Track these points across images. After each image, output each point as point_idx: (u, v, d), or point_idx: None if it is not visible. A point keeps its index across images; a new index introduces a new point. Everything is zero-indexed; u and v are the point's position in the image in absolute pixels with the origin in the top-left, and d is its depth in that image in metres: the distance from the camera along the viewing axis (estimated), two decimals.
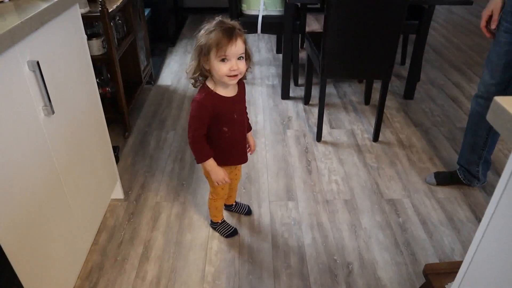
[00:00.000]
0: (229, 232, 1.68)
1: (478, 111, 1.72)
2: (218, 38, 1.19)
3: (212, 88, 1.30)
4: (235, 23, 1.24)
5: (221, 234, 1.69)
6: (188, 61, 3.33)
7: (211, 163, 1.38)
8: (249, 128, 1.52)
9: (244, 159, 1.52)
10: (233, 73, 1.24)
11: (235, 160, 1.51)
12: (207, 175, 1.48)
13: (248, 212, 1.80)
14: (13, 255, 1.02)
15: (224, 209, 1.80)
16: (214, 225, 1.71)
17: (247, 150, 1.54)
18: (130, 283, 1.49)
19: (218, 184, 1.43)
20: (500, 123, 0.59)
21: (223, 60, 1.22)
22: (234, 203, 1.79)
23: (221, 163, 1.42)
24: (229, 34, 1.20)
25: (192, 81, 1.32)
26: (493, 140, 1.77)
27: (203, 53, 1.23)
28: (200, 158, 1.38)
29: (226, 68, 1.23)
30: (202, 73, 1.29)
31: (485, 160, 1.84)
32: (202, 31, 1.24)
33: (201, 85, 1.33)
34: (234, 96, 1.35)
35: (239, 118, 1.41)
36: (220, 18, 1.25)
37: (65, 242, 1.32)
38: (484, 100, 1.69)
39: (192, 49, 1.30)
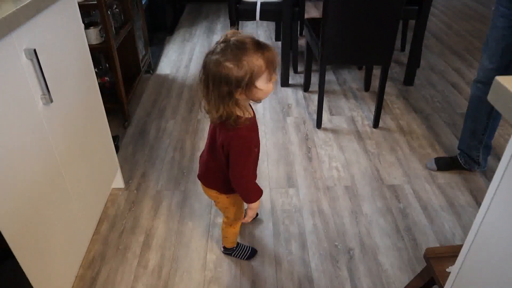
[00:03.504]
0: (248, 253, 1.54)
1: (478, 96, 1.72)
2: (270, 59, 1.03)
3: (246, 116, 1.11)
4: (251, 35, 1.05)
5: (241, 258, 1.54)
6: (187, 51, 3.31)
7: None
8: None
9: None
10: None
11: None
12: (227, 205, 1.34)
13: None
14: (16, 245, 1.02)
15: None
16: (228, 251, 1.55)
17: None
18: (132, 272, 1.50)
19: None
20: (502, 103, 0.59)
21: (270, 79, 1.06)
22: None
23: None
24: (271, 50, 1.04)
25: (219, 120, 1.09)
26: (494, 125, 1.77)
27: (243, 85, 1.02)
28: (256, 196, 1.22)
29: (272, 85, 1.08)
30: (229, 113, 1.07)
31: (485, 145, 1.83)
32: (228, 64, 1.00)
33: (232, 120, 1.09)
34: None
35: None
36: (235, 36, 1.03)
37: (67, 231, 1.32)
38: (483, 85, 1.68)
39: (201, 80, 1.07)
